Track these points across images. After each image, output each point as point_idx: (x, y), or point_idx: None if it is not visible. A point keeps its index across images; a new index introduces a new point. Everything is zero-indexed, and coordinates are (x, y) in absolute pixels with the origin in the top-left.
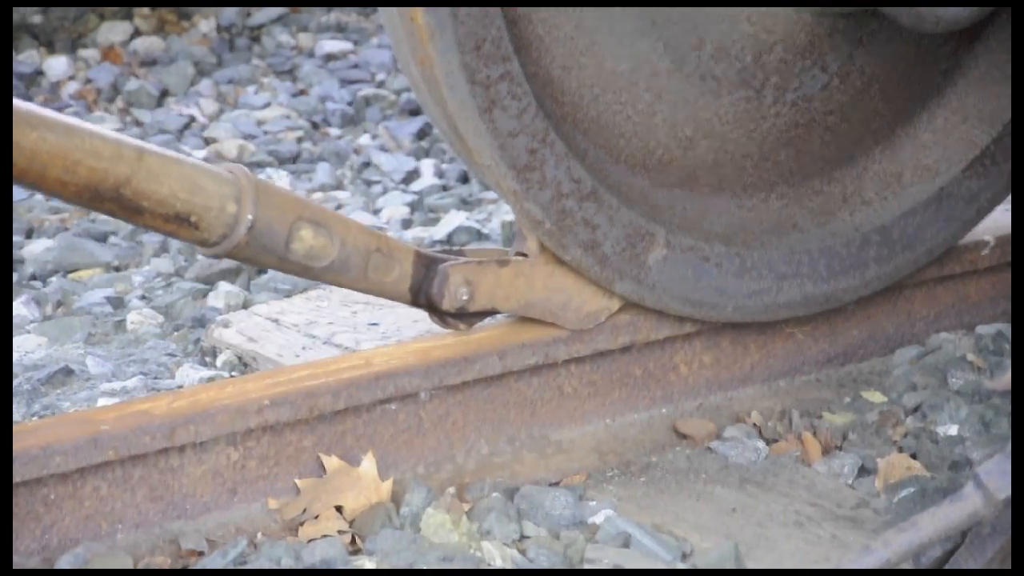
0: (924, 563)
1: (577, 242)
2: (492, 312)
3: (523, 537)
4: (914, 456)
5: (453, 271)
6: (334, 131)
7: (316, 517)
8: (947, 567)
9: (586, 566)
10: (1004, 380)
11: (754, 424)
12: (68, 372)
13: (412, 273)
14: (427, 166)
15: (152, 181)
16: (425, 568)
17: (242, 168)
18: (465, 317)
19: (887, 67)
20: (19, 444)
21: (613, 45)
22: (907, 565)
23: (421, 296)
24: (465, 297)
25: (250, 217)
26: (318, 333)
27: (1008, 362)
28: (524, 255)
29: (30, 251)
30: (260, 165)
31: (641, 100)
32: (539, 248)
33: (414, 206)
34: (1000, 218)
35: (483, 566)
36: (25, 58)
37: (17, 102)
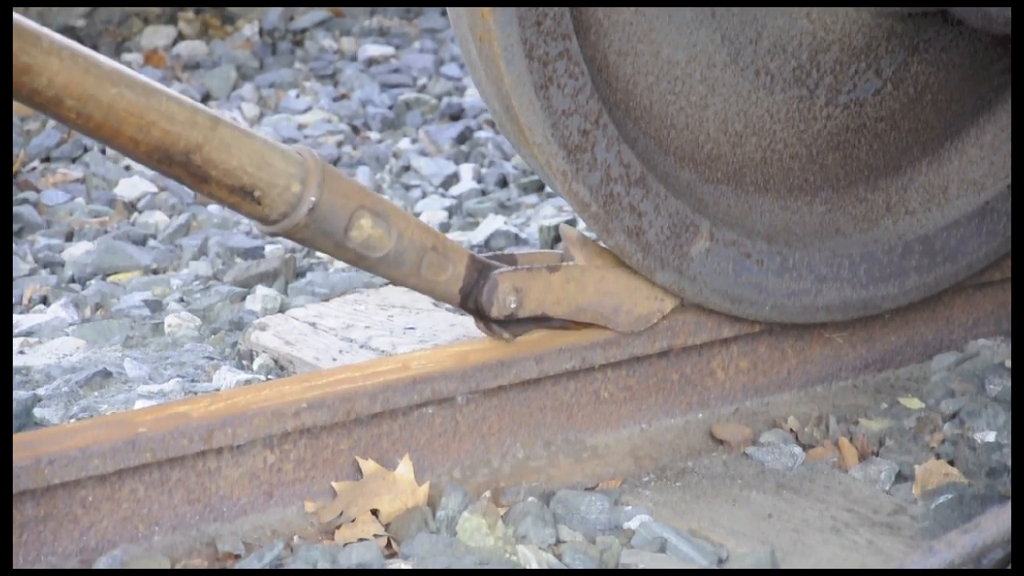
0: (986, 564)
1: (622, 227)
2: (542, 318)
3: (559, 542)
4: (951, 463)
5: (502, 278)
6: (374, 135)
7: (352, 520)
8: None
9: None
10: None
11: (791, 430)
12: (106, 374)
13: (464, 276)
14: (466, 170)
15: (223, 151)
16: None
17: (311, 152)
18: (513, 325)
19: (941, 77)
20: (57, 446)
21: (671, 33)
22: (971, 567)
23: (470, 301)
24: (514, 305)
25: (313, 199)
26: (355, 337)
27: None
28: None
29: (70, 254)
30: None
31: (695, 91)
32: (587, 258)
33: (452, 210)
34: None
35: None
36: None
37: (100, 57)
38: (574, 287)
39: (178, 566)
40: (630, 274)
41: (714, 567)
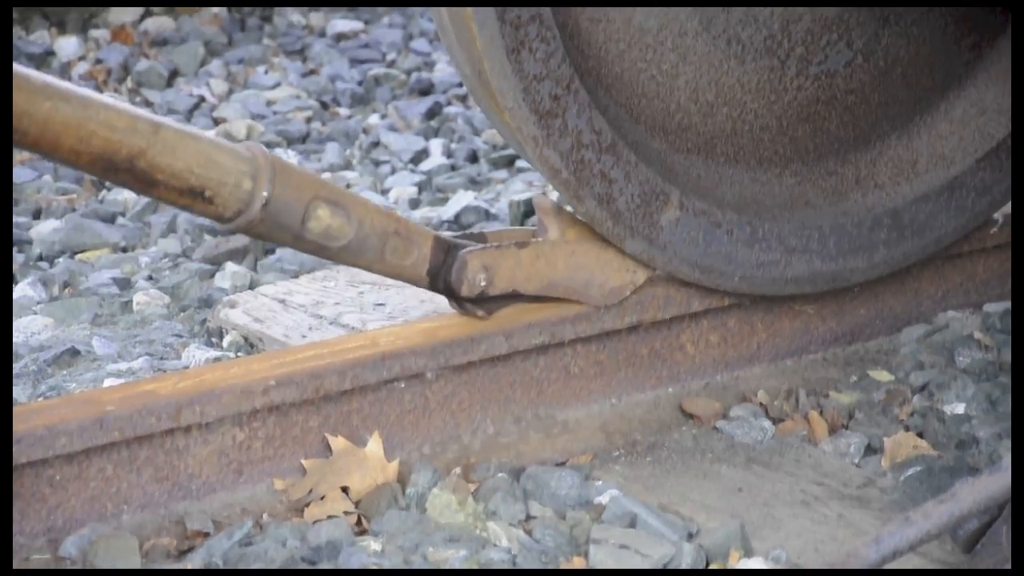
0: (961, 535)
1: (593, 194)
2: (513, 295)
3: (529, 517)
4: (921, 435)
5: (471, 257)
6: (343, 111)
7: (322, 498)
8: (984, 540)
9: (592, 546)
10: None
11: (760, 403)
12: (74, 353)
13: (430, 257)
14: (436, 146)
15: (167, 154)
16: (431, 552)
17: (260, 147)
18: (485, 303)
19: (911, 51)
20: (25, 425)
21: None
22: (945, 537)
23: (439, 281)
24: (483, 283)
25: (265, 194)
26: (325, 313)
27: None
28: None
29: (38, 232)
30: (269, 145)
31: (666, 60)
32: (558, 233)
33: (422, 186)
34: None
35: (489, 546)
36: (36, 38)
37: (32, 72)
38: (544, 263)
39: (147, 545)
40: (601, 247)
41: (684, 541)
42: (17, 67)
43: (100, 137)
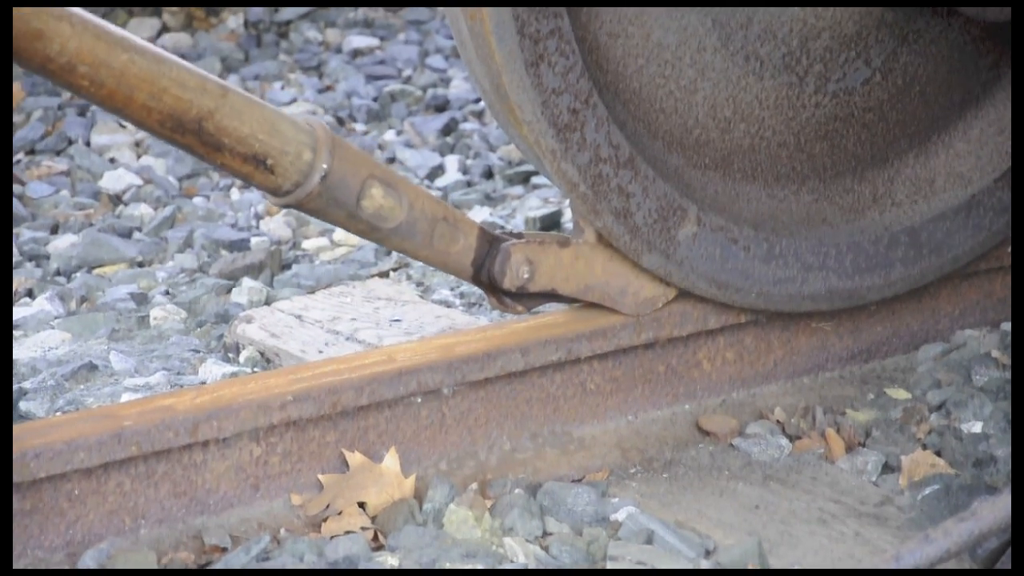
0: (981, 554)
1: (610, 209)
2: (551, 294)
3: (546, 534)
4: (938, 453)
5: (515, 249)
6: (360, 127)
7: (339, 513)
8: (1003, 560)
9: (608, 563)
10: None
11: (777, 421)
12: (92, 367)
13: (476, 247)
14: (452, 162)
15: (234, 118)
16: (448, 567)
17: (319, 120)
18: (524, 299)
19: (929, 69)
20: (43, 439)
21: (662, 16)
22: (965, 555)
23: (483, 273)
24: (526, 276)
25: (325, 167)
26: (341, 329)
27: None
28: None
29: (55, 247)
30: None
31: (684, 75)
32: (597, 236)
33: None
34: None
35: (505, 562)
36: None
37: (109, 25)
38: (583, 265)
39: (164, 560)
40: None
41: (701, 559)
42: (94, 17)
43: (171, 94)
